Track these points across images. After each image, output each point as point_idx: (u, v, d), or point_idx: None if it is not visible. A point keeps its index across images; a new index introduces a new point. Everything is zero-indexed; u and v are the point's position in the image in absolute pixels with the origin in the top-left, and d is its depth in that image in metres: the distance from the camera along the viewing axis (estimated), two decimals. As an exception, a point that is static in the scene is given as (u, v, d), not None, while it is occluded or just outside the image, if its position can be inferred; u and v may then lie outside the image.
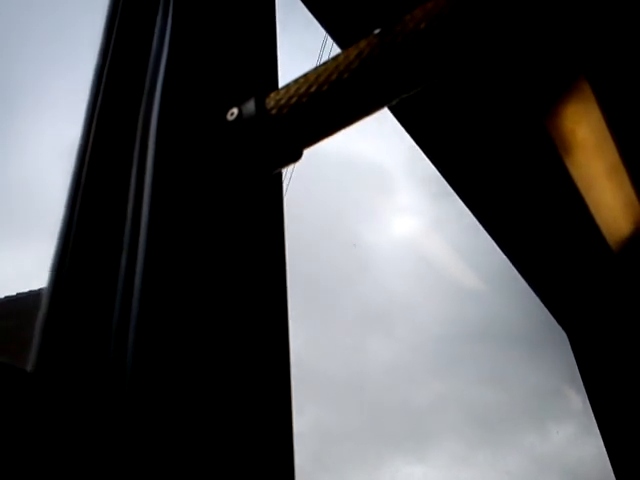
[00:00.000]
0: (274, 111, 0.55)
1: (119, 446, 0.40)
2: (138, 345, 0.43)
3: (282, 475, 0.46)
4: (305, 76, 0.56)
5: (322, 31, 1.30)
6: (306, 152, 0.58)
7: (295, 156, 0.57)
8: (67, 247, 0.52)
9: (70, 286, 0.50)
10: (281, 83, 0.69)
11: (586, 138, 1.51)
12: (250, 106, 0.56)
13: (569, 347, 1.96)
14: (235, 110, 0.57)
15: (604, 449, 1.78)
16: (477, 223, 1.70)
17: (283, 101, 0.55)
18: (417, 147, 1.53)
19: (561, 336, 1.99)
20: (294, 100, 0.55)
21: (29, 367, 0.45)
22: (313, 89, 0.54)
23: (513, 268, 1.85)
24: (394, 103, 0.56)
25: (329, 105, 0.55)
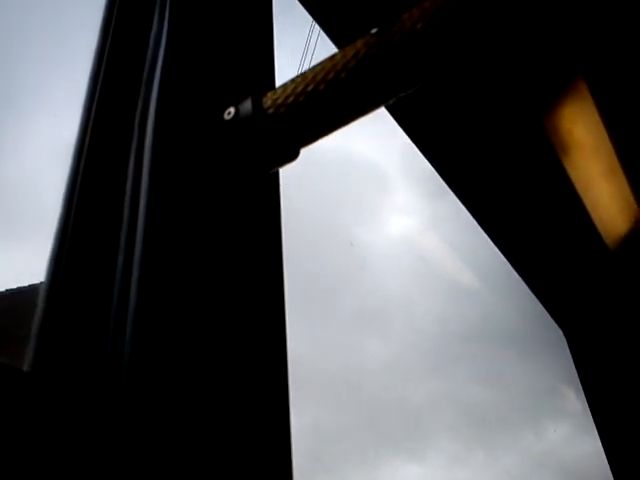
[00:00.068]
0: (271, 110, 0.55)
1: (117, 445, 0.40)
2: (135, 344, 0.43)
3: (280, 474, 0.46)
4: (302, 75, 0.56)
5: (321, 30, 1.30)
6: (302, 151, 0.58)
7: (292, 155, 0.57)
8: (64, 246, 0.52)
9: (67, 285, 0.50)
10: (278, 82, 0.69)
11: (583, 137, 1.51)
12: (247, 105, 0.56)
13: (566, 346, 1.96)
14: (232, 109, 0.57)
15: (600, 448, 1.78)
16: (474, 222, 1.70)
17: (280, 100, 0.55)
18: (414, 146, 1.53)
19: (558, 335, 1.99)
20: (291, 99, 0.55)
21: (26, 367, 0.45)
22: (310, 88, 0.54)
23: (510, 267, 1.85)
24: (391, 102, 0.56)
25: (326, 104, 0.55)
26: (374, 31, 0.54)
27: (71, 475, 0.39)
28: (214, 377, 0.46)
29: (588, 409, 1.86)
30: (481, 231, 1.72)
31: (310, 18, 1.28)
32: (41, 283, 0.51)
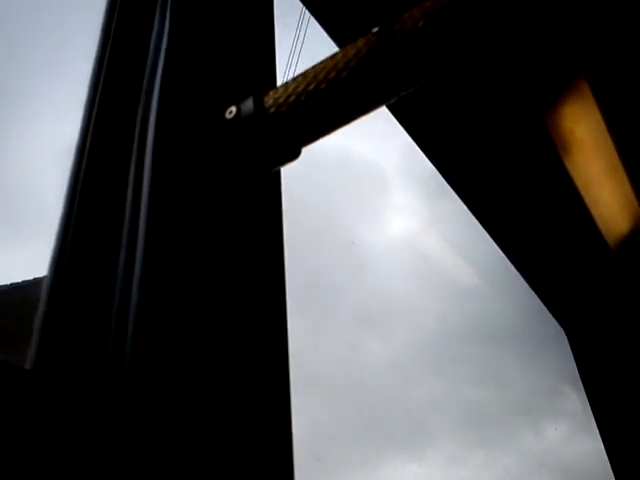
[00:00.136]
0: (272, 109, 0.55)
1: (119, 443, 0.40)
2: (137, 342, 0.43)
3: (281, 473, 0.46)
4: (303, 74, 0.56)
5: (321, 29, 1.30)
6: (303, 151, 0.58)
7: (293, 154, 0.57)
8: (65, 245, 0.52)
9: (69, 284, 0.50)
10: (279, 81, 0.69)
11: (585, 136, 1.51)
12: (248, 104, 0.56)
13: (565, 344, 1.96)
14: (233, 108, 0.57)
15: (599, 447, 1.78)
16: (475, 221, 1.70)
17: (281, 99, 0.55)
18: (414, 145, 1.53)
19: (557, 333, 1.99)
20: (292, 98, 0.55)
21: (28, 365, 0.46)
22: (311, 87, 0.54)
23: (512, 266, 1.85)
24: (392, 101, 0.56)
25: (327, 103, 0.55)
26: (375, 30, 0.54)
27: (73, 473, 0.39)
28: (215, 375, 0.46)
29: (587, 409, 1.86)
30: (482, 230, 1.72)
31: (311, 17, 1.28)
32: (43, 277, 0.51)
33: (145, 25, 0.69)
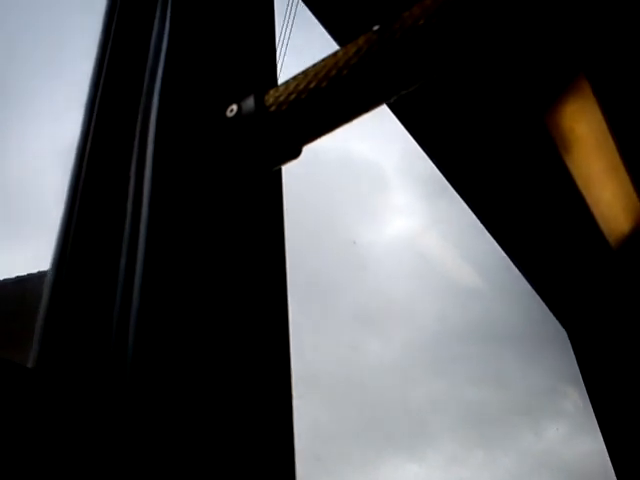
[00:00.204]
0: (273, 108, 0.55)
1: (120, 441, 0.40)
2: (138, 341, 0.43)
3: (283, 473, 0.46)
4: (304, 73, 0.56)
5: (321, 29, 1.30)
6: (303, 150, 0.57)
7: (294, 153, 0.57)
8: (67, 244, 0.52)
9: (70, 285, 0.50)
10: (280, 80, 0.68)
11: (585, 135, 1.51)
12: (249, 103, 0.56)
13: (566, 345, 1.96)
14: (234, 107, 0.57)
15: (599, 448, 1.78)
16: (476, 221, 1.70)
17: (282, 98, 0.55)
18: (414, 144, 1.53)
19: (558, 333, 1.99)
20: (293, 97, 0.55)
21: (30, 364, 0.45)
22: (312, 85, 0.54)
23: (513, 266, 1.85)
24: (393, 100, 0.56)
25: (328, 102, 0.54)
26: (376, 28, 0.54)
27: (75, 471, 0.39)
28: (217, 375, 0.46)
29: (586, 409, 1.86)
30: (483, 229, 1.72)
31: (312, 16, 1.28)
32: (48, 270, 0.51)
33: (145, 24, 0.69)
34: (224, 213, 0.55)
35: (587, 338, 1.94)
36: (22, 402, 0.41)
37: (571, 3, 0.64)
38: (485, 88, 1.49)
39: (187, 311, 0.47)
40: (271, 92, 0.57)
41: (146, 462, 0.40)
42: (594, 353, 1.92)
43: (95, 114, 0.61)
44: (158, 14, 0.68)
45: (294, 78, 0.56)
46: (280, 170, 0.64)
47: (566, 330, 1.99)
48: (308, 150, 0.58)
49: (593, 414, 1.83)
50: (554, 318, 2.00)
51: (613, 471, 1.73)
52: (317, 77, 0.54)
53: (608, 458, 1.75)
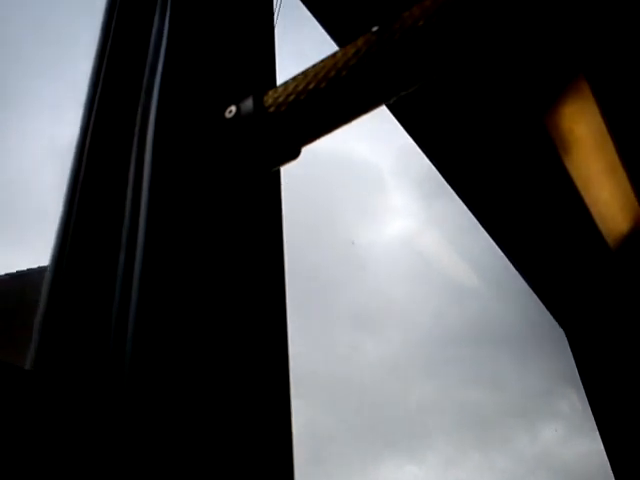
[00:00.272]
0: (272, 109, 0.55)
1: (119, 443, 0.40)
2: (137, 342, 0.43)
3: (282, 474, 0.46)
4: (303, 73, 0.56)
5: (321, 29, 1.30)
6: (302, 152, 0.57)
7: (293, 154, 0.57)
8: (65, 244, 0.52)
9: (69, 284, 0.50)
10: (279, 81, 0.68)
11: (584, 136, 1.51)
12: (248, 104, 0.56)
13: (563, 346, 1.96)
14: (233, 108, 0.57)
15: (595, 448, 1.78)
16: (475, 222, 1.70)
17: (281, 99, 0.55)
18: (414, 146, 1.53)
19: (554, 334, 1.99)
20: (292, 98, 0.55)
21: (28, 365, 0.45)
22: (311, 86, 0.54)
23: (511, 266, 1.85)
24: (392, 101, 0.56)
25: (327, 102, 0.54)
26: (375, 29, 0.54)
27: (74, 473, 0.39)
28: (215, 375, 0.46)
29: (583, 410, 1.86)
30: (480, 229, 1.72)
31: (311, 17, 1.28)
32: (48, 265, 0.51)
33: (145, 24, 0.69)
34: (223, 213, 0.55)
35: (585, 337, 1.94)
36: (20, 405, 0.41)
37: (571, 3, 0.64)
38: (484, 89, 1.49)
39: (185, 310, 0.47)
40: (270, 93, 0.57)
41: (145, 462, 0.40)
42: (592, 353, 1.92)
43: (94, 114, 0.61)
44: (157, 15, 0.68)
45: (293, 79, 0.56)
46: (279, 171, 0.64)
47: (564, 330, 1.99)
48: (307, 151, 0.58)
49: (589, 416, 1.83)
50: (552, 317, 2.00)
51: (611, 472, 1.73)
52: (316, 78, 0.54)
53: (605, 459, 1.76)
